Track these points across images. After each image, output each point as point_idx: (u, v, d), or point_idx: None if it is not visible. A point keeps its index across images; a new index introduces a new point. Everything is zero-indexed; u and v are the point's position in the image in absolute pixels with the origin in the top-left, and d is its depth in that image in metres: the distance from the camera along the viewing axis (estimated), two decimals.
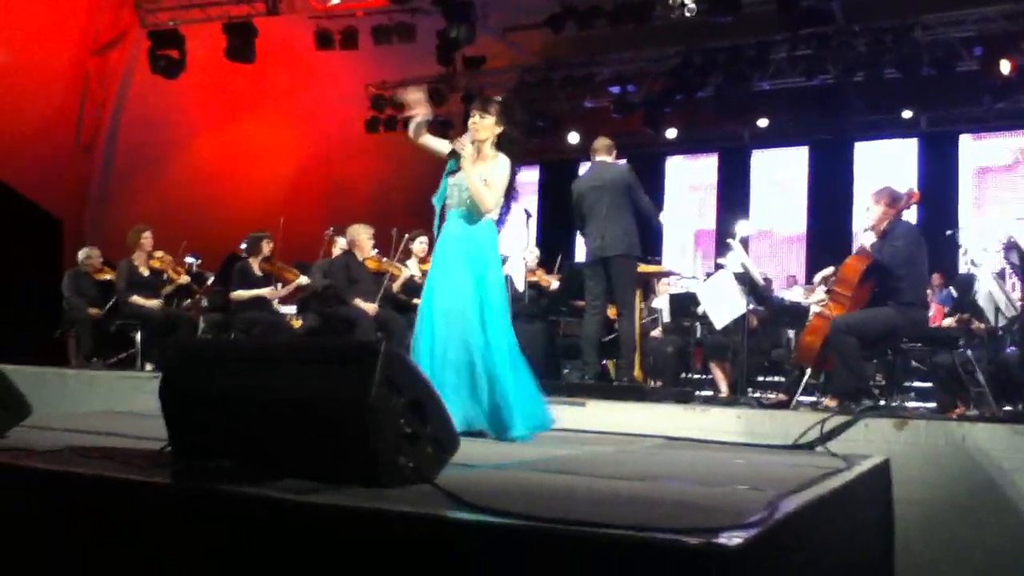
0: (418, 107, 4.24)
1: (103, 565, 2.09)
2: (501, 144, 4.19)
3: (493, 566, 1.77)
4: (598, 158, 6.44)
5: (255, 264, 7.88)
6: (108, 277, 8.24)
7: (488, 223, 4.17)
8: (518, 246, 8.42)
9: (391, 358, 2.28)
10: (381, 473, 2.18)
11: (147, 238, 8.07)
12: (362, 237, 7.59)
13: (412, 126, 4.25)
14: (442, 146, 4.28)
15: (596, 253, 6.21)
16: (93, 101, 11.17)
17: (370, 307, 7.29)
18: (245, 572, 1.96)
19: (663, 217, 6.76)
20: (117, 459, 2.37)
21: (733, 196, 13.42)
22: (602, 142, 6.48)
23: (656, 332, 8.35)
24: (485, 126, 4.17)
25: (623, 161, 6.45)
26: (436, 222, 4.26)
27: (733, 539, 1.69)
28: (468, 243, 4.11)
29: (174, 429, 2.41)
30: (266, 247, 7.91)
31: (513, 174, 4.21)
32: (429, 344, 4.00)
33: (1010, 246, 6.11)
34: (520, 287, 8.10)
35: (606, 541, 1.71)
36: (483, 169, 4.12)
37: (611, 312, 6.62)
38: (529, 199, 14.20)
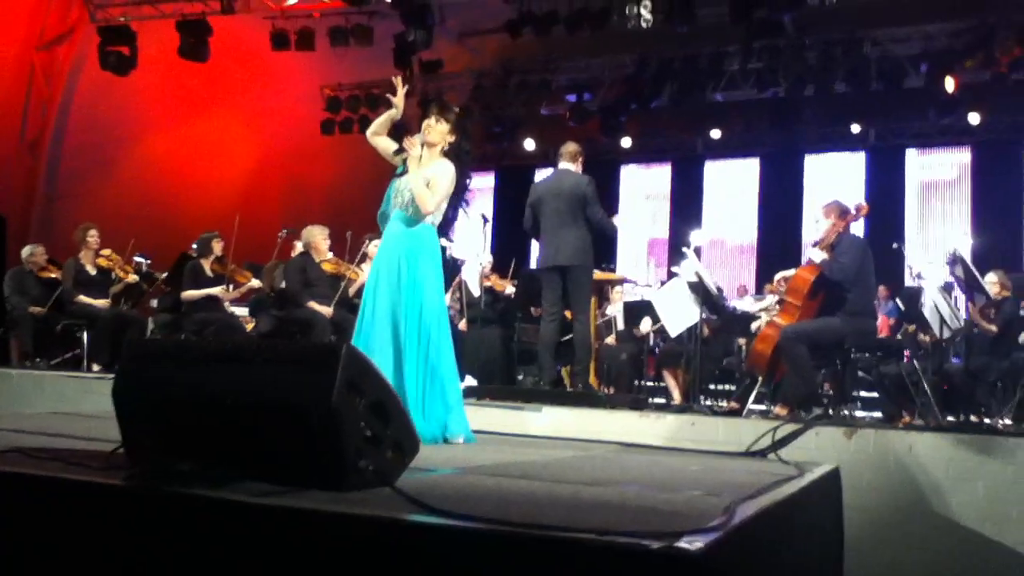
0: (397, 103, 4.30)
1: (54, 568, 2.04)
2: (449, 153, 4.21)
3: (456, 570, 1.76)
4: (562, 164, 6.42)
5: (207, 265, 7.75)
6: (54, 275, 8.06)
7: (428, 226, 4.19)
8: (474, 251, 8.42)
9: (353, 360, 2.26)
10: (342, 476, 2.15)
11: (93, 236, 7.93)
12: (318, 239, 7.50)
13: (381, 119, 4.31)
14: (390, 149, 4.30)
15: (550, 261, 6.20)
16: (39, 97, 10.94)
17: (326, 310, 7.21)
18: (201, 574, 1.93)
19: (618, 220, 6.68)
20: (68, 460, 2.32)
21: (686, 205, 13.57)
22: (568, 148, 6.43)
23: (610, 339, 8.40)
24: (439, 131, 4.19)
25: (583, 175, 6.40)
26: (381, 221, 4.29)
27: (695, 543, 1.70)
28: (408, 244, 4.13)
29: (128, 430, 2.36)
30: (217, 247, 7.79)
31: (463, 184, 4.26)
32: (365, 344, 4.00)
33: (955, 260, 6.27)
34: (476, 292, 8.11)
35: (570, 545, 1.72)
36: (427, 172, 4.14)
37: (568, 313, 6.63)
38: (484, 205, 14.20)
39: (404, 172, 4.19)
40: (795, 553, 2.81)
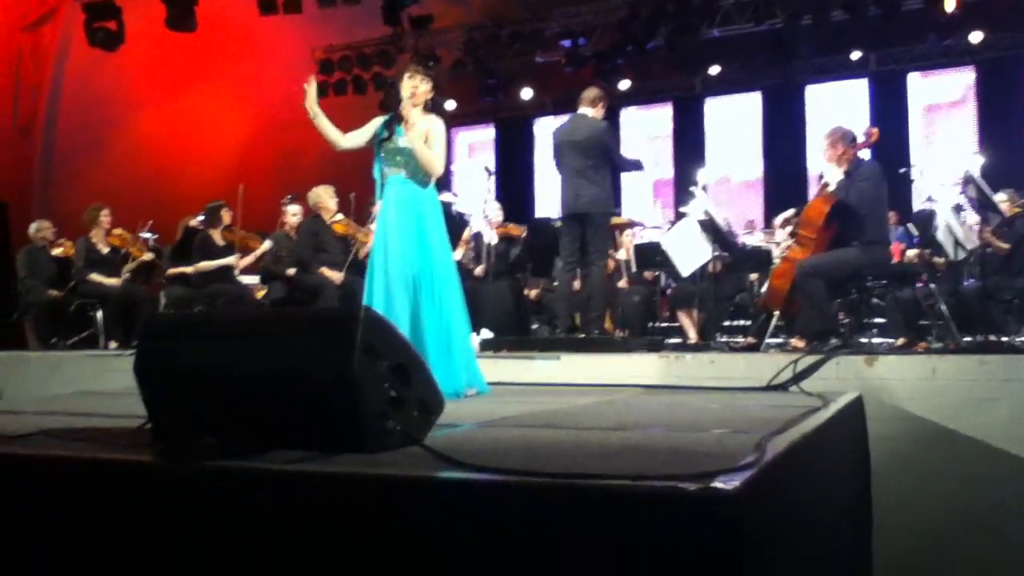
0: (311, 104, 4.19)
1: (87, 548, 2.05)
2: (432, 108, 4.22)
3: (491, 524, 1.76)
4: (580, 109, 6.33)
5: (216, 235, 7.71)
6: (68, 253, 8.08)
7: (432, 187, 4.21)
8: (479, 203, 8.36)
9: (371, 323, 2.24)
10: (369, 439, 2.15)
11: (106, 216, 7.98)
12: (324, 198, 7.43)
13: (326, 129, 4.22)
14: (365, 139, 4.26)
15: (571, 209, 6.15)
16: (28, 81, 10.81)
17: (336, 276, 7.17)
18: (238, 545, 1.93)
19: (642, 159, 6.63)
20: (95, 440, 2.31)
21: (689, 145, 13.44)
22: (588, 93, 6.33)
23: (622, 283, 8.38)
24: (425, 91, 4.20)
25: (600, 120, 6.31)
26: (378, 191, 4.27)
27: (730, 482, 1.69)
28: (420, 207, 4.14)
29: (152, 406, 2.35)
30: (226, 216, 7.75)
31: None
32: (381, 305, 4.00)
33: (967, 180, 6.19)
34: (491, 241, 8.06)
35: (604, 492, 1.70)
36: (421, 132, 4.13)
37: None
38: (486, 157, 14.09)
39: (387, 137, 4.18)
40: (824, 485, 2.81)
